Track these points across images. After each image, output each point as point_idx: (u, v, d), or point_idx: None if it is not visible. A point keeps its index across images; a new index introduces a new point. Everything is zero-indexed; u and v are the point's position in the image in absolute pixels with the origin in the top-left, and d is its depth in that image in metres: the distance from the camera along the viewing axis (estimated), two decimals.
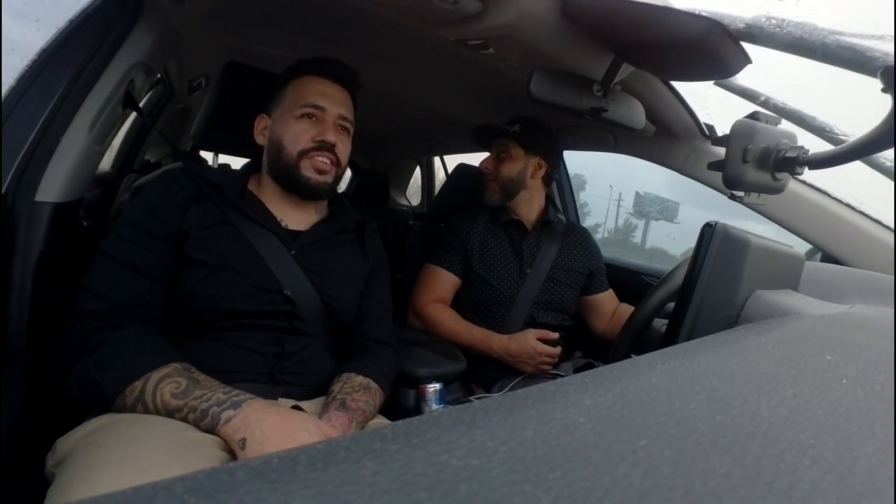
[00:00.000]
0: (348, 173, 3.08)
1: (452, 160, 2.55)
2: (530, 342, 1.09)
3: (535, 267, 1.21)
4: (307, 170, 0.79)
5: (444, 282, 1.20)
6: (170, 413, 0.59)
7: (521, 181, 1.22)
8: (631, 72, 0.91)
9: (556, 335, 1.12)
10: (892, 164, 0.86)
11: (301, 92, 0.80)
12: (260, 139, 0.84)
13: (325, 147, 0.79)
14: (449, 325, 1.16)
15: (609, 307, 1.32)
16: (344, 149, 0.83)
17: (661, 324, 0.69)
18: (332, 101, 0.81)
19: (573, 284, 1.26)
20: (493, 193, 1.23)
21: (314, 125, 0.79)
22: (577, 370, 1.16)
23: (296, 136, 0.79)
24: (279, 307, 0.75)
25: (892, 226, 0.96)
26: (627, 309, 1.29)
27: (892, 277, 0.67)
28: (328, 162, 0.80)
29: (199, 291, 0.70)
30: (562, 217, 1.30)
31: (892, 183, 0.75)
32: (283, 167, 0.79)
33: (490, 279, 1.18)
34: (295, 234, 0.82)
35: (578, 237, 1.31)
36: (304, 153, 0.78)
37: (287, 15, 1.08)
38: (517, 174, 1.22)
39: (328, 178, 0.81)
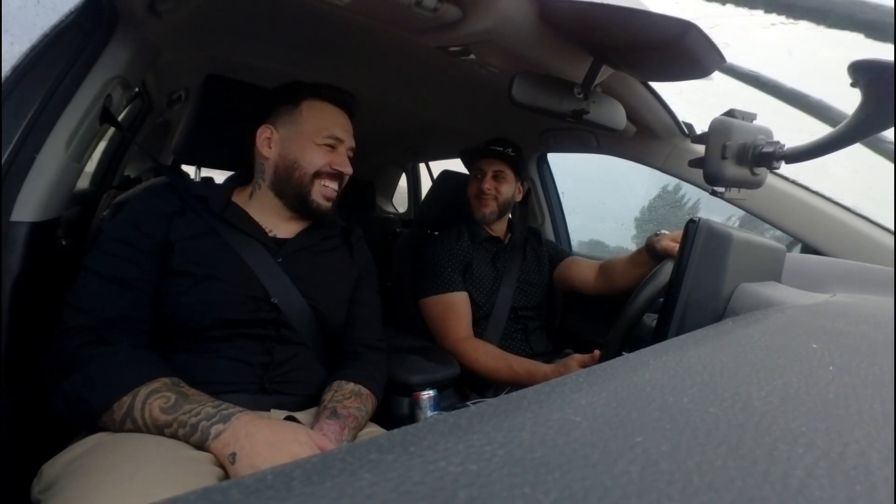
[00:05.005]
0: None
1: (437, 166, 2.55)
2: (574, 369, 1.04)
3: (504, 278, 1.26)
4: (317, 195, 0.82)
5: (462, 307, 1.19)
6: (159, 428, 0.58)
7: (512, 202, 1.31)
8: (610, 74, 0.92)
9: (598, 354, 1.06)
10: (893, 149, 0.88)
11: (323, 121, 0.83)
12: (265, 150, 0.82)
13: (340, 177, 0.84)
14: (486, 363, 1.10)
15: (586, 264, 1.29)
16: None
17: (651, 318, 0.70)
18: (348, 134, 0.86)
19: (541, 282, 1.33)
20: (492, 211, 1.27)
21: (329, 153, 0.83)
22: None
23: (313, 157, 0.81)
24: (266, 315, 0.75)
25: (861, 214, 0.98)
26: (614, 261, 1.19)
27: (870, 266, 0.69)
28: (335, 190, 0.85)
29: (186, 301, 0.70)
30: (520, 228, 1.37)
31: (892, 179, 0.77)
32: (295, 185, 0.81)
33: (473, 294, 1.22)
34: (281, 242, 0.82)
35: (534, 240, 1.39)
36: (318, 173, 0.82)
37: (267, 26, 1.07)
38: (511, 195, 1.29)
39: (332, 206, 0.86)
